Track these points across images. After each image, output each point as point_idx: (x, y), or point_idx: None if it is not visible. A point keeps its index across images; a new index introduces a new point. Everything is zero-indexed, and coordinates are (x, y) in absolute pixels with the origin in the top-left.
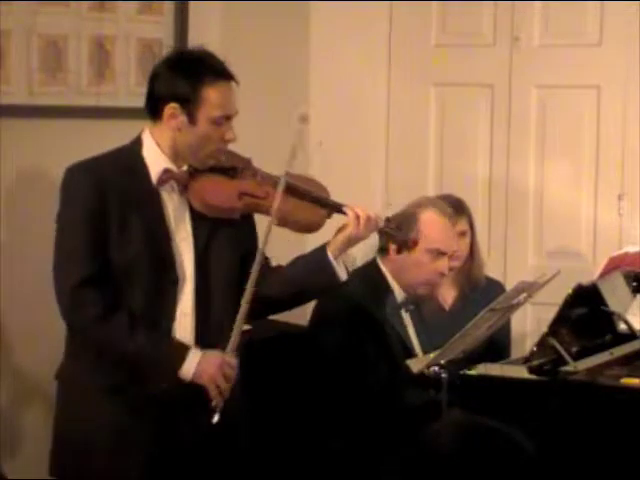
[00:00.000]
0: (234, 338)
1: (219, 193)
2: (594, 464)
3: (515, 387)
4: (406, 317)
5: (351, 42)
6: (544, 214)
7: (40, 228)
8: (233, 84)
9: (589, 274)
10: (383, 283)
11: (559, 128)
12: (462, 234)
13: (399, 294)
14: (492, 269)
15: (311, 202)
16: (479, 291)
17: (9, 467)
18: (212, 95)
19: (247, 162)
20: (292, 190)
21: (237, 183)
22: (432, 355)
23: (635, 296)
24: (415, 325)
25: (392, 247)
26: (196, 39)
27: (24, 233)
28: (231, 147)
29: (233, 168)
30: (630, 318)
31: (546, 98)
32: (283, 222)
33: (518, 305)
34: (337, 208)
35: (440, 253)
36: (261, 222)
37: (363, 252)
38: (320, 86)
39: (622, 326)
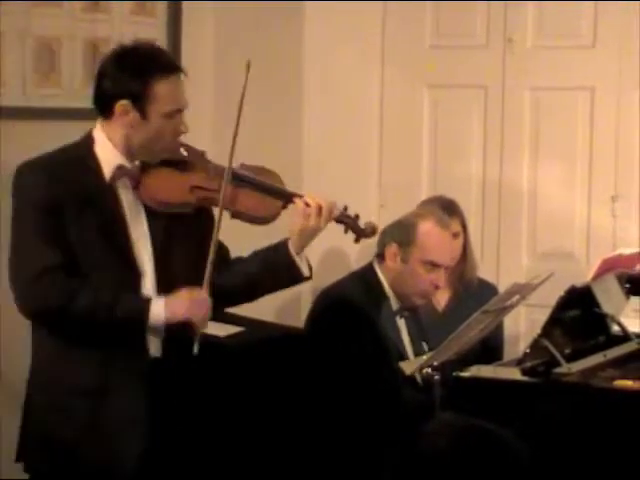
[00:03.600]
0: (208, 275)
1: (170, 188)
2: (587, 466)
3: (508, 389)
4: (401, 324)
5: (345, 43)
6: (538, 215)
7: None
8: (182, 76)
9: (582, 276)
10: (380, 289)
11: (553, 129)
12: (455, 235)
13: (395, 301)
14: (485, 270)
15: (263, 192)
16: (472, 293)
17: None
18: (163, 90)
19: (201, 155)
20: (243, 181)
21: (188, 176)
22: (425, 357)
23: (628, 298)
24: (410, 332)
25: (390, 251)
26: (190, 40)
27: None
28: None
29: (184, 161)
30: (623, 320)
31: (540, 99)
32: (236, 214)
33: (511, 307)
34: (288, 198)
35: (435, 265)
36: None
37: None
38: (314, 87)
39: (615, 328)
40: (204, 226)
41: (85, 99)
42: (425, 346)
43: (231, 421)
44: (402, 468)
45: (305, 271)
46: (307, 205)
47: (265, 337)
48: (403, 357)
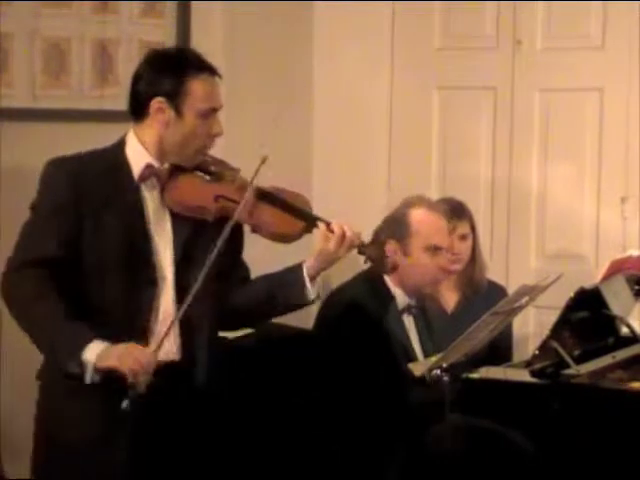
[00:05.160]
0: (163, 336)
1: (193, 192)
2: (596, 467)
3: (517, 390)
4: (408, 322)
5: (354, 45)
6: (547, 217)
7: None
8: (217, 79)
9: (591, 277)
10: (385, 290)
11: (562, 131)
12: (464, 237)
13: (401, 300)
14: (494, 272)
15: (287, 212)
16: (481, 294)
17: (8, 468)
18: (197, 87)
19: (232, 170)
20: (266, 197)
21: (215, 186)
22: (434, 358)
23: (637, 299)
24: (419, 330)
25: (390, 248)
26: (198, 41)
27: None
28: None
29: (214, 172)
30: (632, 321)
31: (549, 101)
32: (256, 228)
33: (520, 308)
34: (312, 222)
35: (437, 248)
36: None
37: None
38: (323, 89)
39: (624, 329)
40: (232, 240)
41: (94, 100)
42: (432, 345)
43: (238, 420)
44: (410, 469)
45: (310, 294)
46: (330, 231)
47: (274, 338)
48: (410, 356)
